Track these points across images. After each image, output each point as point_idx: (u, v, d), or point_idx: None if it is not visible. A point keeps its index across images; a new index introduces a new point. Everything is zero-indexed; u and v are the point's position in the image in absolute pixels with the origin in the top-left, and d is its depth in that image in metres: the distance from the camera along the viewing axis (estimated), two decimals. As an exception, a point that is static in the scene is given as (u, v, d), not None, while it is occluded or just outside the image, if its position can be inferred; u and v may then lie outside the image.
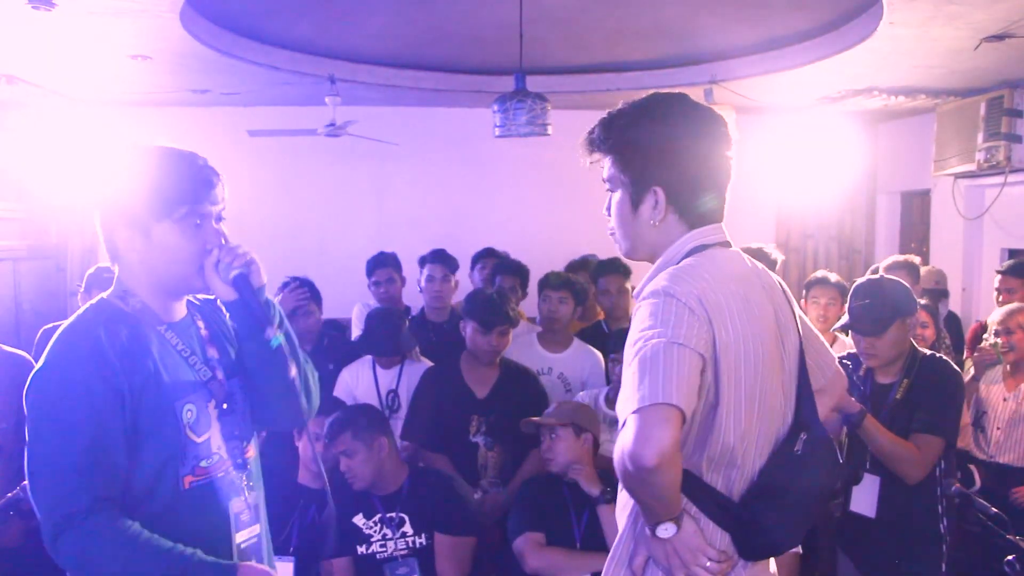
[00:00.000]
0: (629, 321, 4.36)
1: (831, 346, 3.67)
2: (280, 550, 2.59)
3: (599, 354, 3.77)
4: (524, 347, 3.71)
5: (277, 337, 1.64)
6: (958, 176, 5.31)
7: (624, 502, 1.55)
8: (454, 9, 4.07)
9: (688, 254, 1.49)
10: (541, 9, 3.88)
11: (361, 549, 2.78)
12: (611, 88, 5.33)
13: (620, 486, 1.56)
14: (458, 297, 4.25)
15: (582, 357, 3.77)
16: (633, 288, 3.87)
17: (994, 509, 2.21)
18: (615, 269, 4.08)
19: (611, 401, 3.34)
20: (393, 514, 2.81)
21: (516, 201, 6.26)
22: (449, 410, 3.32)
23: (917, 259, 4.45)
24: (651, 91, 1.58)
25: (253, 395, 1.75)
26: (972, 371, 3.67)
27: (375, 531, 2.79)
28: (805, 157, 6.16)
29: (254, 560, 1.67)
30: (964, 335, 4.61)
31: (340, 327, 4.65)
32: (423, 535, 2.80)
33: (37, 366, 1.55)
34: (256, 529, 1.72)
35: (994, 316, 3.56)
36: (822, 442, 1.53)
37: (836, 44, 4.22)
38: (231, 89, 5.29)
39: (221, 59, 4.35)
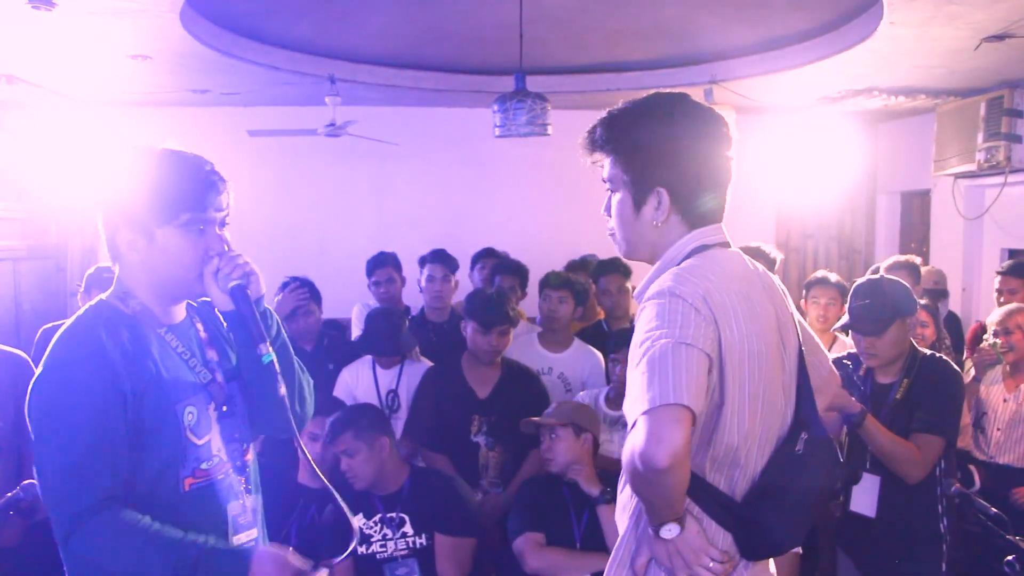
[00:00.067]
0: (629, 321, 4.35)
1: (831, 346, 3.71)
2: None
3: (599, 354, 3.77)
4: (524, 347, 3.72)
5: (269, 354, 1.63)
6: (958, 176, 5.31)
7: (624, 504, 1.54)
8: (454, 9, 4.07)
9: (689, 255, 1.49)
10: (541, 9, 3.88)
11: (361, 549, 2.78)
12: (611, 88, 5.33)
13: (620, 488, 1.56)
14: (458, 297, 4.25)
15: (582, 357, 3.77)
16: (633, 288, 3.88)
17: (994, 509, 2.20)
18: (615, 269, 4.08)
19: (611, 401, 3.34)
20: (393, 514, 2.81)
21: (516, 201, 6.26)
22: (450, 410, 3.33)
23: (918, 259, 4.45)
24: (651, 91, 1.58)
25: (249, 400, 1.75)
26: (972, 372, 3.67)
27: (375, 531, 2.79)
28: (805, 157, 6.16)
29: None
30: (964, 335, 4.61)
31: (340, 327, 4.65)
32: (423, 535, 2.80)
33: (38, 369, 1.55)
34: (254, 532, 1.72)
35: (993, 316, 3.56)
36: (822, 442, 1.54)
37: (836, 44, 4.22)
38: (231, 89, 5.29)
39: (221, 59, 4.35)
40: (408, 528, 2.80)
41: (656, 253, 1.54)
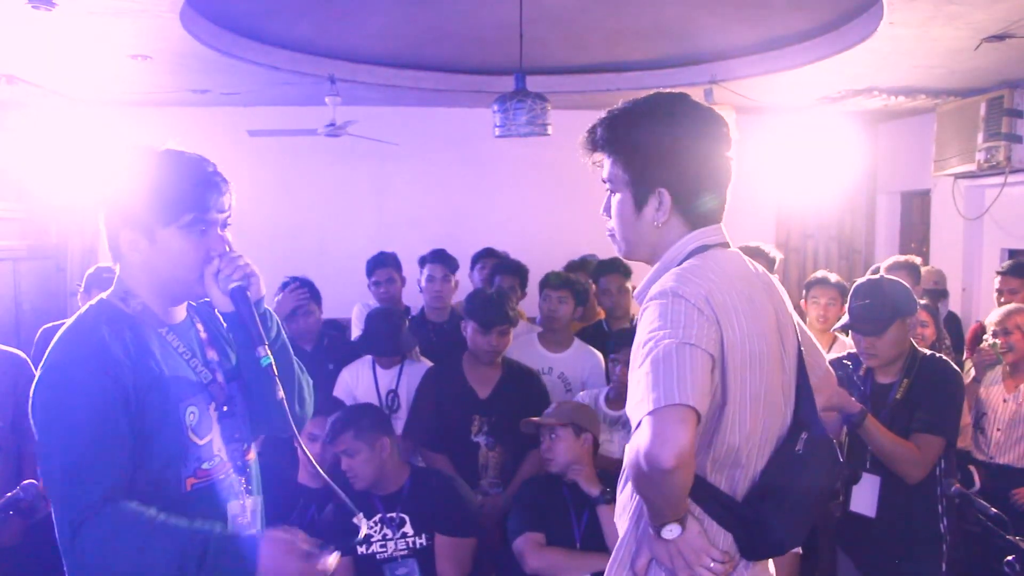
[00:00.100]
0: (630, 321, 4.34)
1: (831, 346, 3.71)
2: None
3: (599, 354, 3.77)
4: (525, 347, 3.72)
5: (267, 357, 1.62)
6: (958, 176, 5.31)
7: (624, 505, 1.54)
8: (454, 9, 4.07)
9: (689, 255, 1.49)
10: (541, 9, 3.88)
11: (361, 549, 2.78)
12: (611, 88, 5.33)
13: (620, 489, 1.56)
14: (458, 297, 4.25)
15: (583, 357, 3.77)
16: (633, 288, 3.88)
17: (994, 509, 2.20)
18: (616, 269, 4.09)
19: (611, 401, 3.35)
20: (394, 514, 2.81)
21: (516, 201, 6.26)
22: (451, 410, 3.33)
23: (918, 260, 4.45)
24: (651, 91, 1.57)
25: (249, 400, 1.75)
26: (972, 372, 3.67)
27: (375, 531, 2.79)
28: (805, 157, 6.16)
29: None
30: (964, 335, 4.61)
31: (340, 327, 4.66)
32: (423, 536, 2.80)
33: (40, 367, 1.55)
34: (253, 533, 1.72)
35: (992, 317, 3.56)
36: (822, 442, 1.54)
37: (836, 44, 4.22)
38: (231, 89, 5.29)
39: (221, 59, 4.35)
40: (408, 528, 2.80)
41: (656, 253, 1.54)
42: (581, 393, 3.50)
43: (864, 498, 2.64)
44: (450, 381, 3.37)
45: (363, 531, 1.71)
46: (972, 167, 4.92)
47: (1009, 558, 2.04)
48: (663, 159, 1.49)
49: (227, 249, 1.64)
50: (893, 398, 2.64)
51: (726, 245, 1.55)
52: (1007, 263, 4.23)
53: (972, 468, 3.45)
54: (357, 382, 3.64)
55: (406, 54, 5.02)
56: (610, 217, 1.58)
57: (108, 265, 3.62)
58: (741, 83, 4.96)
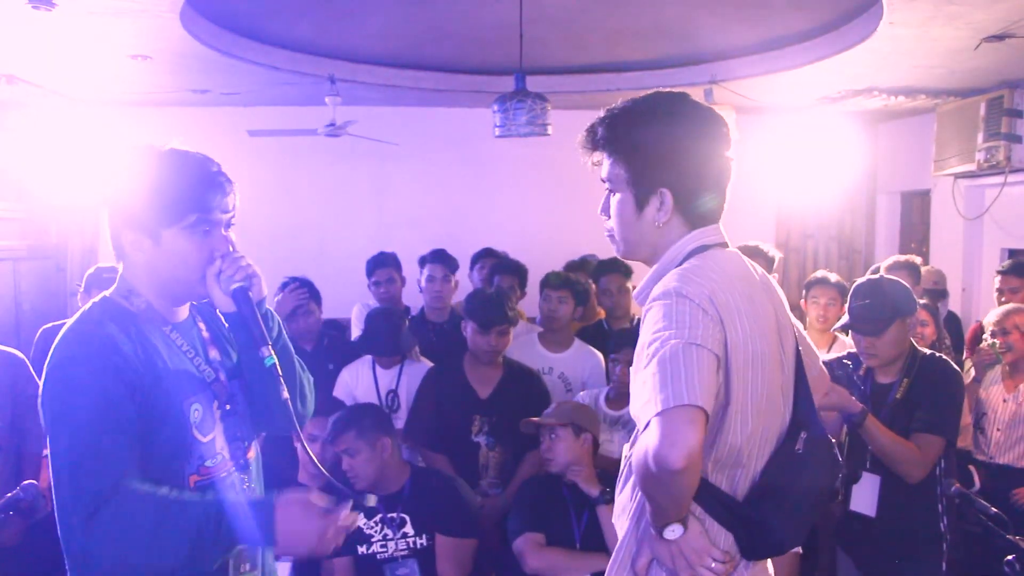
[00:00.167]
0: (630, 321, 4.33)
1: (831, 346, 3.71)
2: (280, 550, 2.58)
3: (600, 354, 3.77)
4: (525, 347, 3.72)
5: (271, 357, 1.62)
6: (958, 176, 5.31)
7: (623, 506, 1.54)
8: (454, 9, 4.07)
9: (689, 255, 1.49)
10: (541, 9, 3.88)
11: (362, 549, 2.78)
12: (611, 88, 5.33)
13: (619, 490, 1.56)
14: (458, 297, 4.25)
15: (583, 357, 3.77)
16: (634, 288, 3.88)
17: (994, 509, 2.20)
18: (616, 268, 4.09)
19: (611, 401, 3.35)
20: (394, 514, 2.81)
21: (516, 201, 6.26)
22: (451, 410, 3.33)
23: (918, 259, 4.45)
24: (651, 91, 1.57)
25: (251, 399, 1.75)
26: (972, 372, 3.67)
27: (376, 531, 2.79)
28: (805, 157, 6.16)
29: (247, 565, 1.66)
30: (964, 335, 4.61)
31: (340, 327, 4.66)
32: (424, 536, 2.80)
33: (47, 363, 1.54)
34: None
35: (990, 317, 3.56)
36: (822, 441, 1.53)
37: (836, 44, 4.22)
38: (231, 89, 5.29)
39: (221, 59, 4.35)
40: (409, 528, 2.80)
41: (656, 254, 1.54)
42: (581, 393, 3.50)
43: (864, 498, 2.64)
44: (451, 381, 3.37)
45: (371, 501, 1.69)
46: (972, 167, 4.92)
47: (1009, 558, 2.04)
48: (665, 159, 1.48)
49: (230, 250, 1.64)
50: (893, 398, 2.64)
51: (725, 245, 1.54)
52: (1007, 262, 4.24)
53: (972, 468, 3.45)
54: (357, 382, 3.65)
55: (406, 54, 5.02)
56: (609, 217, 1.58)
57: (108, 265, 3.63)
58: (741, 83, 4.96)
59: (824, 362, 1.79)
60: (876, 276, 2.78)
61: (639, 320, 1.48)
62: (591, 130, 1.55)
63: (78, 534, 1.47)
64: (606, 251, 4.34)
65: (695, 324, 1.35)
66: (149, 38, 3.88)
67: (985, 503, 2.24)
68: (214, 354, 1.72)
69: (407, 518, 2.81)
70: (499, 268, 4.35)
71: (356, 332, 4.28)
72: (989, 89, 4.82)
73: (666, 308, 1.38)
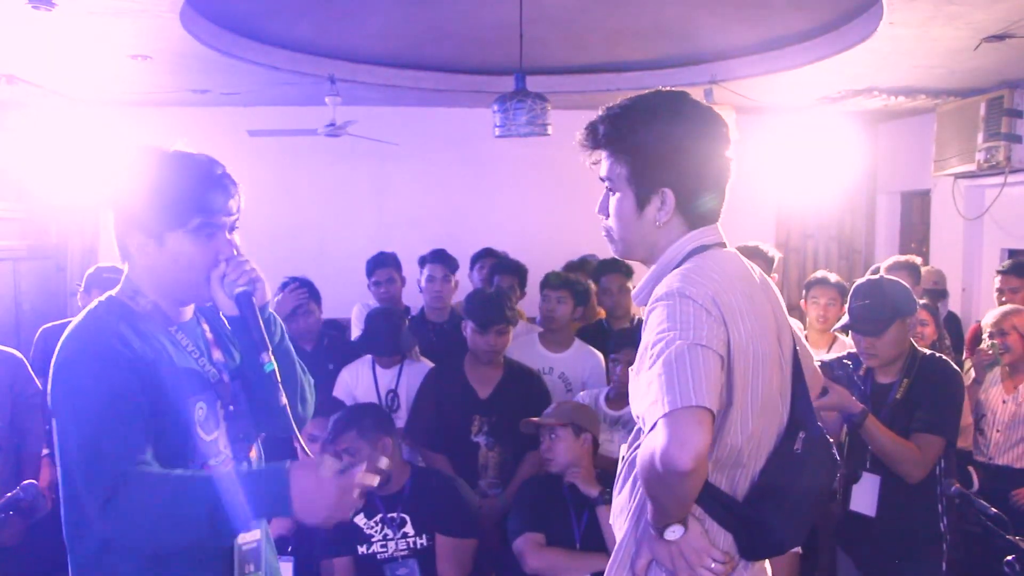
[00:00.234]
0: (630, 321, 4.32)
1: (831, 346, 3.71)
2: (279, 550, 2.59)
3: (600, 354, 3.77)
4: (525, 347, 3.72)
5: (270, 363, 1.62)
6: (958, 176, 5.31)
7: (622, 506, 1.54)
8: (454, 9, 4.07)
9: (688, 255, 1.49)
10: (541, 9, 3.88)
11: (362, 549, 2.78)
12: (611, 88, 5.32)
13: (617, 491, 1.56)
14: (458, 297, 4.25)
15: (583, 357, 3.77)
16: (634, 287, 3.88)
17: (994, 509, 2.20)
18: (617, 268, 4.08)
19: (612, 401, 3.35)
20: (394, 514, 2.81)
21: (516, 201, 6.26)
22: (451, 410, 3.33)
23: (918, 259, 4.45)
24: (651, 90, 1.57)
25: (251, 401, 1.75)
26: (972, 373, 3.67)
27: (376, 531, 2.79)
28: (805, 157, 6.16)
29: (251, 566, 1.67)
30: (964, 335, 4.61)
31: (340, 327, 4.66)
32: (424, 536, 2.80)
33: (55, 358, 1.55)
34: (257, 534, 1.72)
35: (987, 318, 3.56)
36: (820, 441, 1.53)
37: (836, 44, 4.22)
38: (231, 89, 5.29)
39: (221, 59, 4.35)
40: (409, 528, 2.80)
41: (654, 253, 1.54)
42: (581, 393, 3.50)
43: (864, 498, 2.64)
44: (451, 381, 3.37)
45: (384, 463, 1.71)
46: (972, 167, 4.92)
47: (1009, 558, 2.04)
48: (666, 158, 1.48)
49: (235, 253, 1.64)
50: (893, 398, 2.64)
51: (723, 245, 1.54)
52: (1007, 262, 4.24)
53: (971, 469, 3.45)
54: (357, 382, 3.65)
55: (406, 54, 5.02)
56: (607, 216, 1.58)
57: (108, 265, 3.63)
58: (741, 83, 4.96)
59: (824, 362, 1.80)
60: (876, 276, 2.78)
61: (639, 320, 1.48)
62: (591, 128, 1.55)
63: (95, 521, 1.46)
64: (606, 251, 4.31)
65: (699, 325, 1.35)
66: (149, 38, 3.88)
67: (985, 503, 2.24)
68: (217, 355, 1.73)
69: (407, 518, 2.81)
70: (499, 268, 4.35)
71: (356, 332, 4.28)
72: (989, 89, 4.82)
73: (670, 309, 1.37)
